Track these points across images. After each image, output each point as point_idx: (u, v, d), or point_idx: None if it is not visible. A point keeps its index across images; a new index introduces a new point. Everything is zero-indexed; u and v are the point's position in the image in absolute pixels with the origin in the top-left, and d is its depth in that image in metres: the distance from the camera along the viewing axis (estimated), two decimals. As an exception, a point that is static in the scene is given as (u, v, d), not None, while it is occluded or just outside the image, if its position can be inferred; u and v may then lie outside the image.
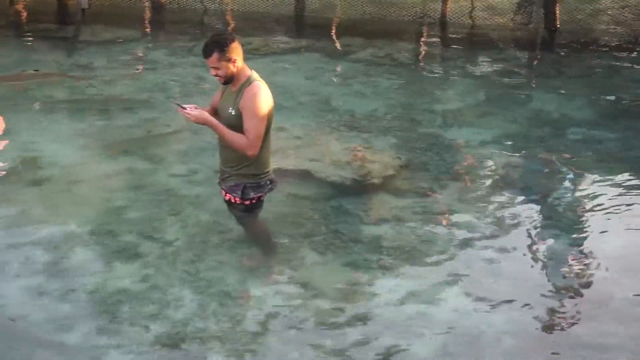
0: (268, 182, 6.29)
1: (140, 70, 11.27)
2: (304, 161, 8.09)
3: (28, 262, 6.37)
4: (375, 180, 7.78)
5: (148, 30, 13.38)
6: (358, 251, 6.61)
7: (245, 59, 5.95)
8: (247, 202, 6.24)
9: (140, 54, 11.99)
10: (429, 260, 6.51)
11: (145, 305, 5.83)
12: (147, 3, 14.38)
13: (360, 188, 7.67)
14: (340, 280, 6.23)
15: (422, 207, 7.33)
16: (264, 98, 5.94)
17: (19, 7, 13.86)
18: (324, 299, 5.96)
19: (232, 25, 13.45)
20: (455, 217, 7.18)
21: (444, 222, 7.11)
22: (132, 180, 7.77)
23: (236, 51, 5.88)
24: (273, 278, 6.24)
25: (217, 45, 5.85)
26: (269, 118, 6.04)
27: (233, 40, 5.90)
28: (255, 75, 6.04)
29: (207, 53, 5.87)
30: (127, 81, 10.69)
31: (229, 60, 5.85)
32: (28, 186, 7.65)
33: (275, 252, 6.64)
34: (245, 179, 6.18)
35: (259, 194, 6.24)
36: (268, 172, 6.27)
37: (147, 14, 14.09)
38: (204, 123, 5.95)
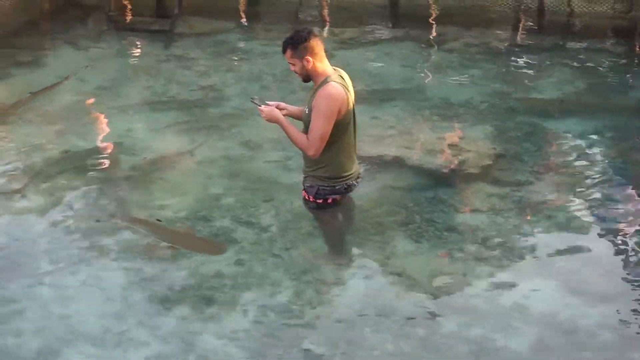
0: (345, 187, 6.28)
1: (234, 61, 11.36)
2: (398, 149, 8.04)
3: (127, 246, 6.50)
4: (471, 170, 7.67)
5: (243, 21, 13.47)
6: (453, 241, 6.51)
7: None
8: (320, 201, 6.29)
9: (235, 45, 12.06)
10: (525, 251, 6.38)
11: (241, 290, 5.87)
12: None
13: (455, 177, 7.58)
14: (434, 270, 6.15)
15: (518, 197, 7.19)
16: (335, 100, 5.89)
17: (118, 1, 14.12)
18: (418, 288, 5.90)
19: (327, 15, 13.45)
20: (552, 209, 7.00)
21: (541, 214, 6.95)
22: (226, 167, 7.84)
23: (311, 50, 5.89)
24: (368, 266, 6.18)
25: (291, 42, 5.93)
26: (344, 121, 5.97)
27: (308, 39, 5.89)
28: (335, 76, 5.99)
29: (282, 48, 6.01)
30: (221, 71, 10.79)
31: (302, 58, 5.88)
32: (124, 173, 7.80)
33: (340, 253, 6.56)
34: (320, 181, 6.24)
35: (333, 197, 6.27)
36: (345, 176, 6.26)
37: (243, 6, 14.19)
38: (273, 120, 6.04)
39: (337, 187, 6.26)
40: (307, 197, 6.39)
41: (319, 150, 5.98)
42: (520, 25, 12.84)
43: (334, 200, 6.35)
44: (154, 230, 6.69)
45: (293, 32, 6.04)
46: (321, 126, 5.89)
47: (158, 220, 6.70)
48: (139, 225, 6.76)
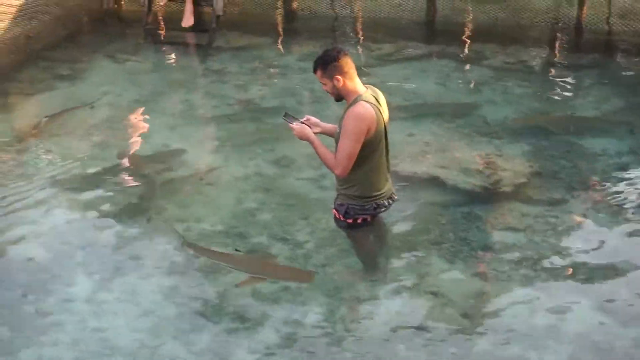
0: (374, 206, 6.27)
1: (271, 76, 11.41)
2: (433, 167, 8.03)
3: (162, 260, 6.56)
4: (507, 188, 7.64)
5: (280, 36, 13.53)
6: (487, 260, 6.50)
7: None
8: (350, 221, 6.29)
9: (272, 60, 12.13)
10: (560, 271, 6.34)
11: (275, 307, 5.90)
12: (280, 10, 14.55)
13: (490, 196, 7.55)
14: (468, 289, 6.14)
15: (554, 216, 7.14)
16: (363, 119, 5.86)
17: (156, 15, 14.23)
18: (452, 307, 5.89)
19: (363, 31, 13.48)
20: (588, 228, 6.97)
21: (577, 234, 6.91)
22: (262, 182, 7.87)
23: (340, 69, 5.88)
24: (401, 285, 6.18)
25: (321, 62, 5.94)
26: (374, 140, 5.97)
27: (337, 59, 5.90)
28: (366, 94, 5.97)
29: (313, 68, 6.03)
30: (258, 86, 10.84)
31: (331, 77, 5.89)
32: (161, 187, 7.87)
33: (374, 271, 6.53)
34: (350, 200, 6.23)
35: (363, 216, 6.27)
36: (377, 196, 6.23)
37: (279, 21, 14.27)
38: (304, 139, 6.07)
39: (366, 207, 6.25)
40: (337, 216, 6.40)
41: (347, 169, 5.98)
42: (558, 43, 12.78)
43: (364, 220, 6.34)
44: (231, 260, 6.58)
45: (323, 52, 6.06)
46: (348, 146, 5.89)
47: (237, 250, 6.70)
48: (217, 257, 6.64)
